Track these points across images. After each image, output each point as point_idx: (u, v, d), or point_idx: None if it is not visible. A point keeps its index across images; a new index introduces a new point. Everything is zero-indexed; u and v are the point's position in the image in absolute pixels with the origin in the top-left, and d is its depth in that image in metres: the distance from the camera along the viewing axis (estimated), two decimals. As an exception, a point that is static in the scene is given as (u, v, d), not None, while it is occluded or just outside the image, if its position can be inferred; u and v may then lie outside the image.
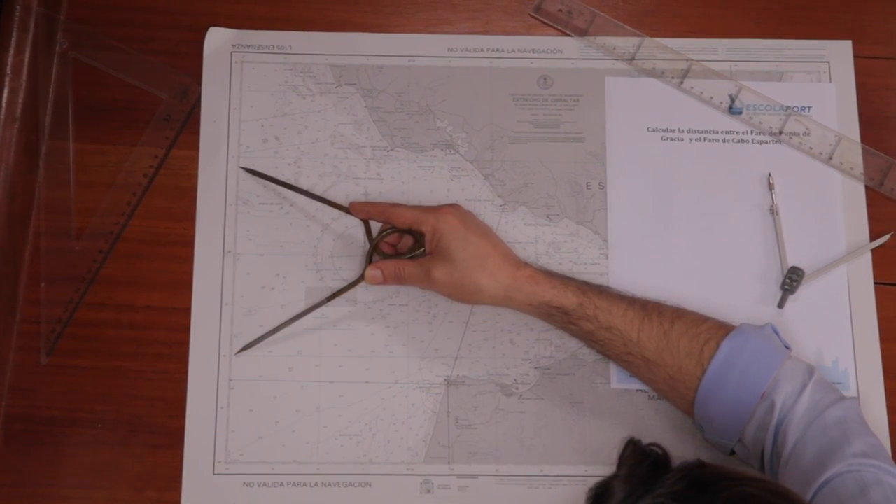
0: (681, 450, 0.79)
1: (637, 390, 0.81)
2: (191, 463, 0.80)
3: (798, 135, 0.87)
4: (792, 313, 0.83)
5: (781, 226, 0.84)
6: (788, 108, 0.87)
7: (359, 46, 0.88)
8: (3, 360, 0.81)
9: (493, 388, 0.82)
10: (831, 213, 0.85)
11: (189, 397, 0.81)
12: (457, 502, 0.80)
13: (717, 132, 0.87)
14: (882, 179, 0.86)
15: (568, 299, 0.76)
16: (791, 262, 0.83)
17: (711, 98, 0.87)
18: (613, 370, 0.82)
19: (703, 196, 0.86)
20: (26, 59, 0.84)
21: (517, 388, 0.82)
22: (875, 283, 0.84)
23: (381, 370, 0.82)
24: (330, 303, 0.81)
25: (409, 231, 0.80)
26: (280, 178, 0.84)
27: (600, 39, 0.89)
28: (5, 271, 0.81)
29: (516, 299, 0.77)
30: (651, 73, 0.88)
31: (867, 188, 0.86)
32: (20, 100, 0.83)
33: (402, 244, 0.82)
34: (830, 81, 0.88)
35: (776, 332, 0.76)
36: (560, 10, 0.90)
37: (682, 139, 0.87)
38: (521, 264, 0.79)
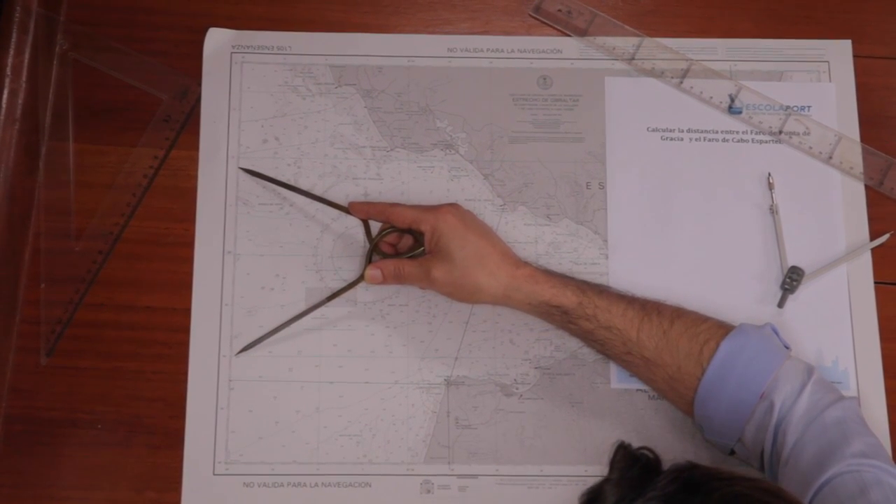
0: (681, 449, 0.79)
1: (637, 390, 0.81)
2: (191, 463, 0.80)
3: (798, 134, 0.87)
4: (792, 313, 0.83)
5: (781, 225, 0.84)
6: (788, 107, 0.87)
7: (358, 47, 0.88)
8: (3, 361, 0.81)
9: (493, 388, 0.82)
10: (831, 212, 0.85)
11: (189, 398, 0.81)
12: (457, 502, 0.80)
13: (717, 132, 0.87)
14: (882, 179, 0.86)
15: (567, 298, 0.76)
16: (791, 262, 0.83)
17: (711, 98, 0.87)
18: (613, 370, 0.82)
19: (703, 196, 0.86)
20: (26, 61, 0.84)
21: (517, 388, 0.82)
22: (875, 283, 0.84)
23: (381, 370, 0.82)
24: (330, 303, 0.81)
25: (409, 231, 0.80)
26: (280, 178, 0.84)
27: (600, 39, 0.89)
28: (5, 272, 0.81)
29: (515, 298, 0.77)
30: (651, 73, 0.88)
31: (867, 188, 0.86)
32: (20, 101, 0.83)
33: (401, 244, 0.82)
34: (830, 81, 0.88)
35: (776, 332, 0.75)
36: (560, 10, 0.90)
37: (682, 139, 0.87)
38: (521, 263, 0.79)
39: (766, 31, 0.90)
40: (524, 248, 0.84)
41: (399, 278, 0.79)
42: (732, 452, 0.76)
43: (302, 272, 0.83)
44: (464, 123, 0.87)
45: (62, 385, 0.81)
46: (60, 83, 0.86)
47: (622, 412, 0.81)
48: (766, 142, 0.87)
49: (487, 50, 0.89)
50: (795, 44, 0.89)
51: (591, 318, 0.76)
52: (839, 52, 0.89)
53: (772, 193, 0.85)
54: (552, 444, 0.81)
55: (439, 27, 0.89)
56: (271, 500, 0.79)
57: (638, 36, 0.89)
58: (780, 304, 0.83)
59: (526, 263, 0.79)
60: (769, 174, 0.86)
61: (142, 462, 0.80)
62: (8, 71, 0.83)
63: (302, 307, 0.82)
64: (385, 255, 0.82)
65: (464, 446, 0.80)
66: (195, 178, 0.85)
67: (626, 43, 0.89)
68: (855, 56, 0.89)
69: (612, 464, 0.55)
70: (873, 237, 0.85)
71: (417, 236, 0.80)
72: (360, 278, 0.81)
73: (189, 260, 0.83)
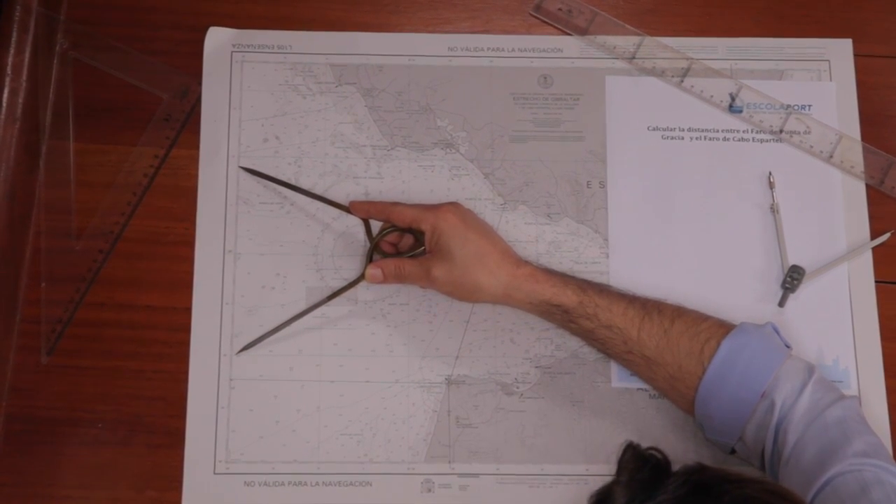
0: (681, 449, 0.79)
1: (638, 389, 0.81)
2: (191, 462, 0.80)
3: (798, 133, 0.87)
4: (792, 312, 0.83)
5: (782, 224, 0.84)
6: (789, 106, 0.87)
7: (359, 46, 0.88)
8: (4, 360, 0.81)
9: (494, 387, 0.82)
10: (832, 211, 0.85)
11: (189, 397, 0.81)
12: (458, 501, 0.80)
13: (718, 131, 0.87)
14: (882, 178, 0.86)
15: (568, 297, 0.76)
16: (792, 261, 0.83)
17: (712, 97, 0.87)
18: (614, 369, 0.82)
19: (704, 195, 0.86)
20: (26, 60, 0.84)
21: (518, 387, 0.82)
22: (876, 282, 0.84)
23: (382, 369, 0.82)
24: (330, 302, 0.81)
25: (409, 230, 0.80)
26: (280, 177, 0.84)
27: (600, 38, 0.89)
28: (6, 271, 0.81)
29: (516, 297, 0.77)
30: (651, 72, 0.88)
31: (868, 187, 0.86)
32: (20, 100, 0.83)
33: (402, 243, 0.82)
34: (831, 80, 0.88)
35: (776, 331, 0.75)
36: (560, 9, 0.90)
37: (683, 138, 0.87)
38: (521, 262, 0.79)
39: (767, 30, 0.90)
40: (525, 248, 0.84)
41: (399, 277, 0.80)
42: (733, 451, 0.76)
43: (302, 271, 0.83)
44: (464, 122, 0.87)
45: (63, 384, 0.81)
46: (61, 82, 0.86)
47: (623, 411, 0.81)
48: (767, 141, 0.87)
49: (488, 49, 0.89)
50: (796, 43, 0.89)
51: (592, 317, 0.76)
52: (840, 50, 0.89)
53: (772, 192, 0.85)
54: (553, 443, 0.81)
55: (440, 26, 0.89)
56: (272, 499, 0.79)
57: (638, 35, 0.89)
58: (781, 303, 0.83)
59: (526, 262, 0.79)
60: (770, 173, 0.85)
61: (142, 461, 0.80)
62: (8, 70, 0.83)
63: (302, 306, 0.82)
64: (386, 255, 0.82)
65: (464, 445, 0.80)
66: (196, 177, 0.85)
67: (626, 42, 0.89)
68: (856, 55, 0.89)
69: (621, 465, 0.54)
70: (874, 236, 0.85)
71: (418, 235, 0.80)
72: (361, 277, 0.81)
73: (189, 259, 0.83)
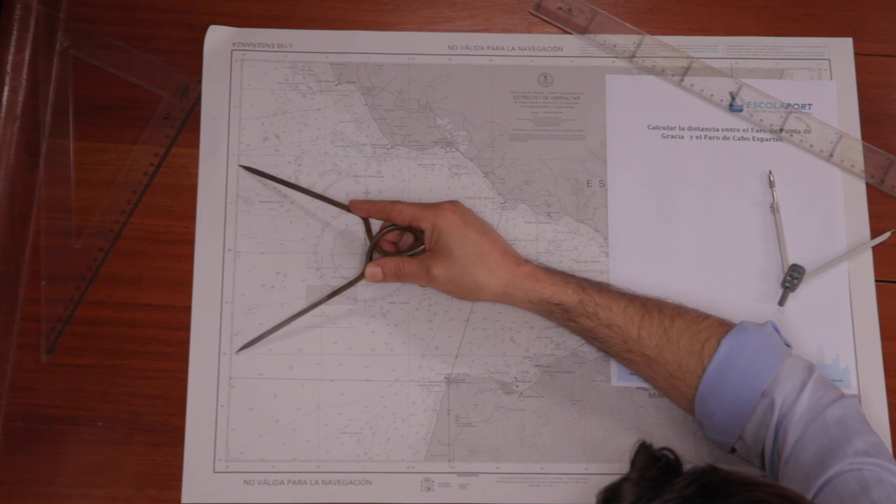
0: (681, 448, 0.79)
1: (637, 388, 0.81)
2: (191, 461, 0.80)
3: (799, 132, 0.87)
4: (793, 311, 0.83)
5: (782, 223, 0.84)
6: (789, 105, 0.87)
7: (359, 44, 0.88)
8: (4, 359, 0.81)
9: (494, 385, 0.82)
10: (832, 210, 0.85)
11: (189, 395, 0.81)
12: (457, 500, 0.80)
13: (718, 130, 0.87)
14: (883, 177, 0.86)
15: (568, 296, 0.76)
16: (792, 260, 0.83)
17: (712, 96, 0.87)
18: (614, 368, 0.82)
19: (704, 194, 0.86)
20: (26, 58, 0.84)
21: (518, 386, 0.82)
22: (876, 281, 0.84)
23: (382, 368, 0.82)
24: (330, 301, 0.81)
25: (409, 228, 0.80)
26: (280, 176, 0.84)
27: (600, 37, 0.89)
28: (5, 270, 0.81)
29: (516, 296, 0.77)
30: (651, 71, 0.88)
31: (868, 185, 0.86)
32: (20, 98, 0.83)
33: (402, 242, 0.82)
34: (831, 79, 0.88)
35: (777, 330, 0.75)
36: (560, 8, 0.90)
37: (683, 137, 0.87)
38: (521, 261, 0.79)
39: (767, 28, 0.90)
40: (524, 246, 0.84)
41: (399, 276, 0.80)
42: (733, 450, 0.76)
43: (302, 270, 0.83)
44: (464, 121, 0.87)
45: (62, 382, 0.81)
46: (61, 80, 0.86)
47: (623, 410, 0.81)
48: (767, 140, 0.87)
49: (488, 47, 0.89)
50: (796, 41, 0.89)
51: (592, 315, 0.76)
52: (840, 49, 0.89)
53: (772, 191, 0.85)
54: (553, 441, 0.81)
55: (440, 25, 0.89)
56: (272, 497, 0.79)
57: (638, 34, 0.89)
58: (781, 302, 0.83)
59: (526, 261, 0.79)
60: (770, 172, 0.85)
61: (142, 459, 0.80)
62: (8, 68, 0.83)
63: (302, 305, 0.82)
64: (386, 253, 0.82)
65: (464, 444, 0.80)
66: (195, 175, 0.85)
67: (626, 41, 0.89)
68: (856, 54, 0.89)
69: (633, 462, 0.55)
70: (874, 235, 0.85)
71: (418, 234, 0.80)
72: (361, 276, 0.81)
73: (189, 257, 0.83)
